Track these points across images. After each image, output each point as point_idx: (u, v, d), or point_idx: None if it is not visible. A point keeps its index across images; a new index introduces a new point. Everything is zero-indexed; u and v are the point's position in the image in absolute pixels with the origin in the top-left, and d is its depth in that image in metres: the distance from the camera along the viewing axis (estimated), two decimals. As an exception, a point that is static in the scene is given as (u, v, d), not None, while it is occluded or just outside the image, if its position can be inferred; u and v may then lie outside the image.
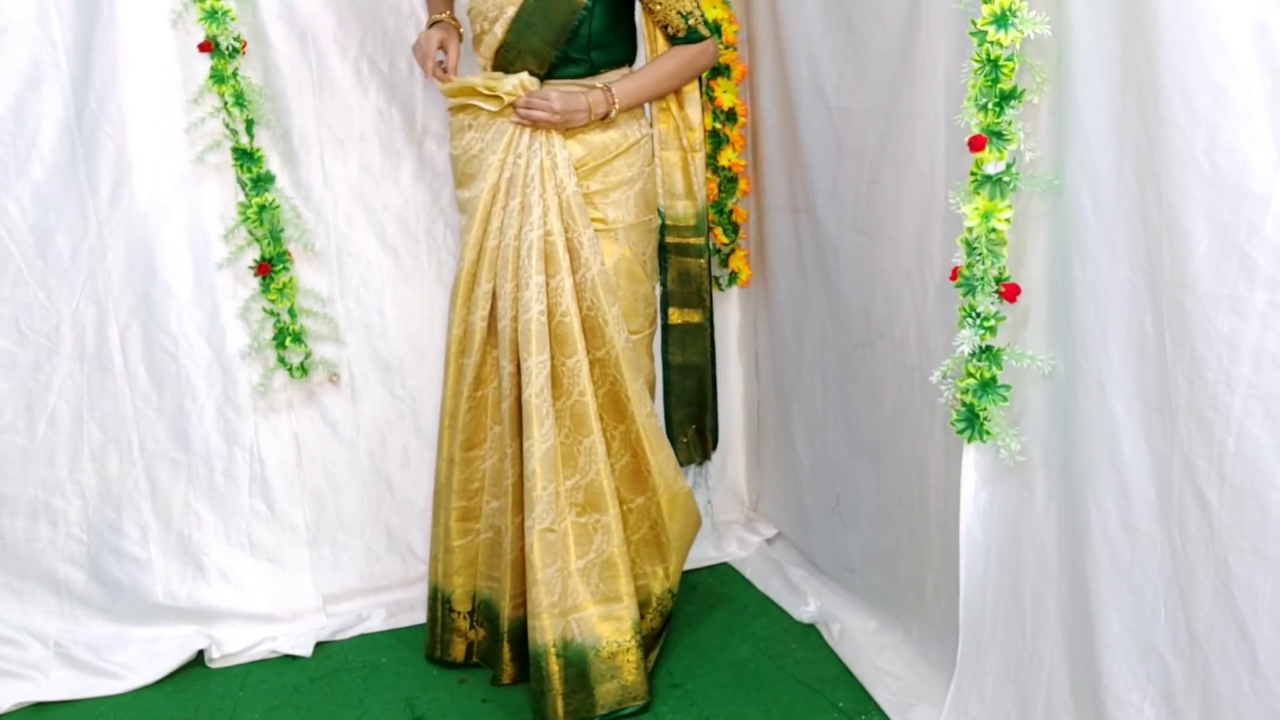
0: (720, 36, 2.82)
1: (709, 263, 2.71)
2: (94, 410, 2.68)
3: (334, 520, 2.92)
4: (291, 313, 2.70)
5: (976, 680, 2.13)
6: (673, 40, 2.49)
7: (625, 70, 2.50)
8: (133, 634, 2.75)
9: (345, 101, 2.73)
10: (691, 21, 2.46)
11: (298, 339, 2.72)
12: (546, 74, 2.41)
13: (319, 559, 2.91)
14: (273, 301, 2.68)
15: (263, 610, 2.84)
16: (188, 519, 2.78)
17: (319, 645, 2.83)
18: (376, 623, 2.91)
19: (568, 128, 2.39)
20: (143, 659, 2.71)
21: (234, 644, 2.78)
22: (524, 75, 2.38)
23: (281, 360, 2.73)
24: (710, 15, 2.79)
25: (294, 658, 2.78)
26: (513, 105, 2.38)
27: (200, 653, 2.77)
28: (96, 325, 2.64)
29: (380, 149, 2.80)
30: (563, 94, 2.37)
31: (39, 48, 2.48)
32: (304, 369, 2.74)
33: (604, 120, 2.42)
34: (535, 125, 2.38)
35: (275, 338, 2.70)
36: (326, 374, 2.81)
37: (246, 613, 2.83)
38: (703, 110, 2.65)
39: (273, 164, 2.69)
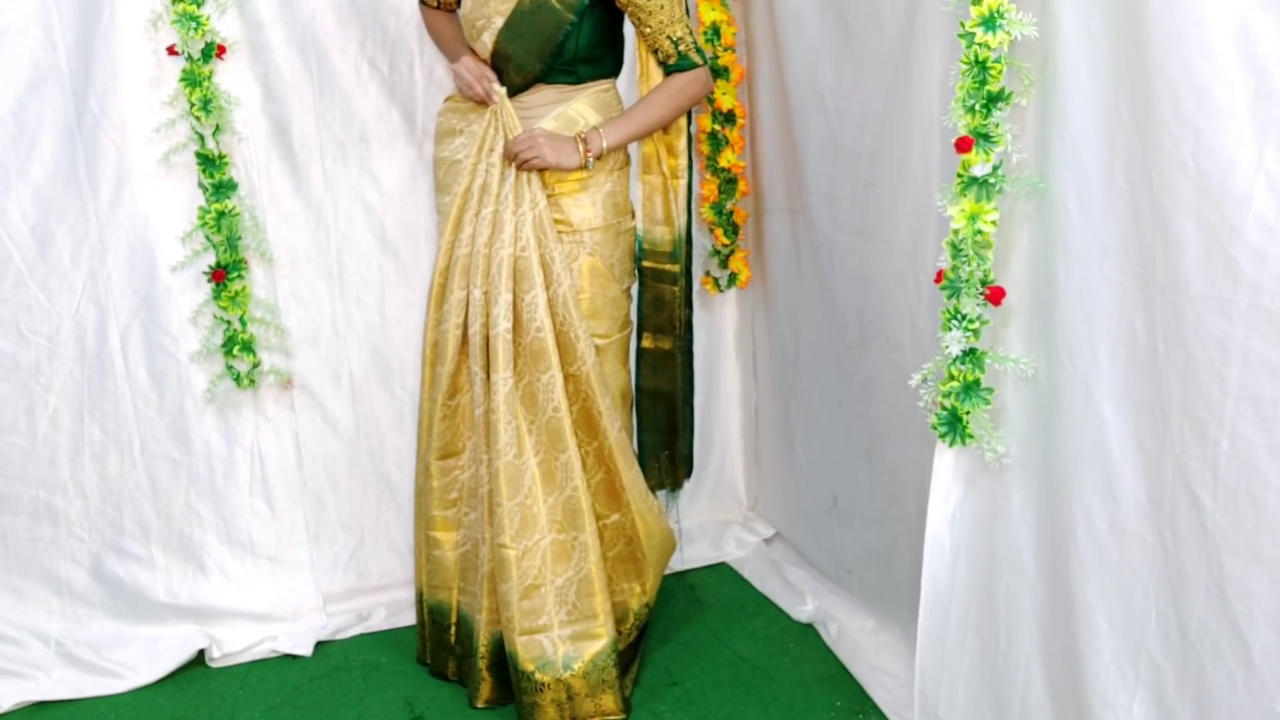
0: (719, 39, 2.83)
1: (686, 290, 2.68)
2: (95, 411, 2.69)
3: (334, 520, 2.94)
4: (243, 321, 2.69)
5: (944, 684, 2.13)
6: (663, 66, 2.45)
7: (611, 82, 2.49)
8: (134, 633, 2.77)
9: (345, 103, 2.74)
10: (682, 48, 2.41)
11: (247, 347, 2.70)
12: (534, 80, 2.40)
13: (319, 558, 2.93)
14: (224, 309, 2.66)
15: (263, 609, 2.85)
16: (188, 518, 2.80)
17: (319, 644, 2.84)
18: (376, 622, 2.92)
19: (559, 169, 2.37)
20: (143, 658, 2.72)
21: (234, 643, 2.79)
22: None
23: (229, 369, 2.71)
24: (709, 18, 2.80)
25: (294, 657, 2.80)
26: (505, 151, 2.37)
27: (201, 652, 2.78)
28: (97, 326, 2.65)
29: (380, 150, 2.80)
30: (553, 140, 2.34)
31: (40, 50, 2.49)
32: (251, 378, 2.72)
33: (591, 156, 2.38)
34: (527, 167, 2.35)
35: (224, 345, 2.69)
36: (279, 382, 2.79)
37: (247, 612, 2.84)
38: (689, 138, 2.60)
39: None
